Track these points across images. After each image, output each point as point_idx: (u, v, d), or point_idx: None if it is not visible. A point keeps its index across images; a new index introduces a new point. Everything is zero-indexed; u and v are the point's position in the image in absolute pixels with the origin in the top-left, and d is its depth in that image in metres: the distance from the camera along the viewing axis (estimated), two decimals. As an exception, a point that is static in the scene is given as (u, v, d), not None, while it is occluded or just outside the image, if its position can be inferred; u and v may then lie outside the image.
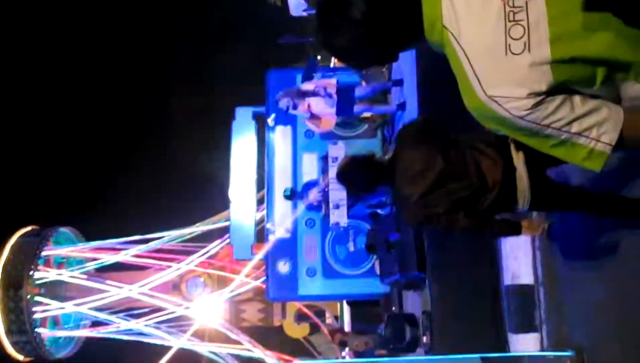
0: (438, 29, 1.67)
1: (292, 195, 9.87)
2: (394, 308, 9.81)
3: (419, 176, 3.29)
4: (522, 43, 1.56)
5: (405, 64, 9.10)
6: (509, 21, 1.58)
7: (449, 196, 3.26)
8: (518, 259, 5.50)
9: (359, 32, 1.68)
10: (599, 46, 1.54)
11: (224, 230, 16.24)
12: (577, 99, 1.58)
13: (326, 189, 9.32)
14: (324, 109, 9.24)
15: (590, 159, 1.61)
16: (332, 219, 9.20)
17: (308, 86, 9.39)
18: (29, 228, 20.15)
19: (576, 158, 1.63)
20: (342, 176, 3.81)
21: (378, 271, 9.54)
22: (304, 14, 14.23)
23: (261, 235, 12.30)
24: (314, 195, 9.97)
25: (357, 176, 3.70)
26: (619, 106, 1.61)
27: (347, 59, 1.86)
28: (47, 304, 18.99)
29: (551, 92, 1.56)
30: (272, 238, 10.96)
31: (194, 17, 25.88)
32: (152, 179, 25.55)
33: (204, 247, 19.98)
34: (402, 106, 9.79)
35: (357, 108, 9.63)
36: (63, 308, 19.27)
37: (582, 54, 1.55)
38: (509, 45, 1.57)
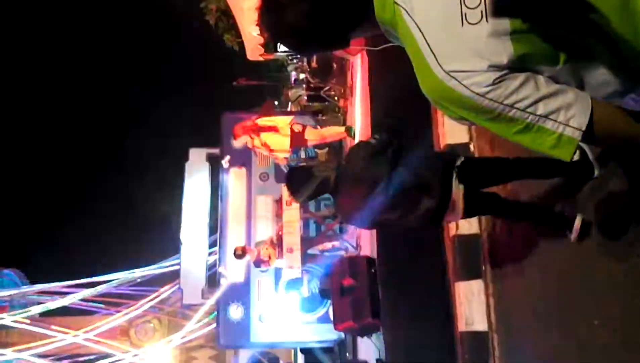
0: (389, 7, 1.57)
1: (243, 254, 9.70)
2: (347, 355, 9.67)
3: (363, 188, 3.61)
4: (479, 12, 1.46)
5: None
6: None
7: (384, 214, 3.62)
8: (471, 305, 5.46)
9: (304, 9, 1.58)
10: (561, 21, 1.47)
11: (176, 274, 15.95)
12: (541, 78, 1.49)
13: (280, 233, 9.22)
14: (281, 143, 9.31)
15: (559, 146, 1.49)
16: (286, 263, 9.07)
17: (264, 122, 9.44)
18: (-30, 270, 19.50)
19: (544, 145, 1.51)
20: (287, 182, 4.11)
21: (332, 317, 9.42)
22: (261, 58, 14.35)
23: (213, 279, 12.07)
24: (266, 251, 9.79)
25: (301, 183, 3.94)
26: (585, 92, 1.51)
27: (294, 42, 1.73)
28: (-14, 350, 18.25)
29: (513, 68, 1.47)
30: (224, 282, 10.75)
31: (149, 59, 25.86)
32: (102, 220, 25.09)
33: (154, 291, 19.60)
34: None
35: (309, 138, 9.68)
36: (3, 354, 18.53)
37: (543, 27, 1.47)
38: (465, 14, 1.47)
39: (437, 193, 3.53)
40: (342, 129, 10.43)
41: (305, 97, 12.10)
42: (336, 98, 11.63)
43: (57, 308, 20.08)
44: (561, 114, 1.47)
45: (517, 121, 1.49)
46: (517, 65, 1.47)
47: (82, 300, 20.01)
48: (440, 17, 1.50)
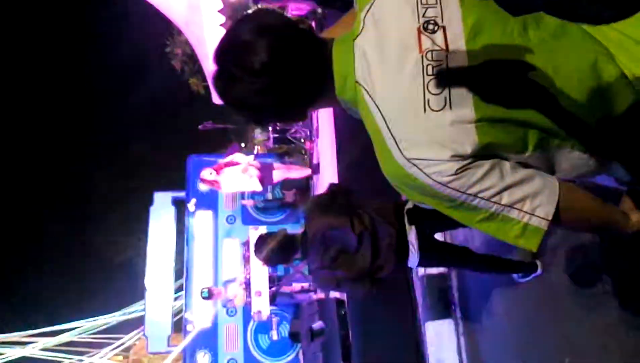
0: (350, 86, 1.50)
1: (211, 295, 9.57)
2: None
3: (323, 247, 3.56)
4: (443, 98, 1.39)
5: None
6: (428, 75, 1.41)
7: (351, 266, 3.55)
8: (442, 345, 5.43)
9: (258, 84, 1.48)
10: (528, 109, 1.41)
11: (140, 320, 15.60)
12: (507, 166, 1.42)
13: (247, 276, 9.12)
14: (242, 179, 9.32)
15: (525, 236, 1.43)
16: (254, 307, 8.95)
17: (228, 159, 9.52)
18: None
19: (509, 235, 1.45)
20: (257, 254, 4.07)
21: (302, 360, 9.29)
22: (225, 102, 14.40)
23: (179, 325, 11.83)
24: (233, 290, 9.68)
25: (272, 253, 3.91)
26: (553, 177, 1.46)
27: (245, 112, 1.63)
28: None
29: (477, 156, 1.40)
30: (190, 328, 10.54)
31: (115, 101, 25.76)
32: (63, 266, 24.53)
33: (118, 338, 19.17)
34: (316, 169, 9.97)
35: (276, 175, 9.72)
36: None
37: (508, 115, 1.40)
38: (428, 100, 1.40)
39: (393, 233, 3.57)
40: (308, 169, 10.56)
41: (271, 140, 12.14)
42: (302, 140, 11.69)
43: (18, 359, 19.44)
44: (527, 204, 1.41)
45: (481, 210, 1.42)
46: (482, 153, 1.40)
47: (44, 349, 19.39)
48: (402, 101, 1.44)
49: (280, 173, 9.91)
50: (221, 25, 12.46)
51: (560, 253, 3.68)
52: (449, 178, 1.40)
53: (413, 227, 3.65)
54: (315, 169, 10.69)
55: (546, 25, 1.46)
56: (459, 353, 5.28)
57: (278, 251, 3.85)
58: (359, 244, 3.52)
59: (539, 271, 3.93)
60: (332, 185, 3.97)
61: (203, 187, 10.28)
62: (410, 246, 3.64)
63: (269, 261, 4.10)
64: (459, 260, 4.18)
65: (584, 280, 3.50)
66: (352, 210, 3.63)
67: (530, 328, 4.14)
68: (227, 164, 9.66)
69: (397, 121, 1.44)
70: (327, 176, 9.67)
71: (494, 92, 1.41)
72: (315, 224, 3.64)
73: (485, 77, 1.42)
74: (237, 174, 9.47)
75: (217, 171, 9.55)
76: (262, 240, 3.98)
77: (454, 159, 1.39)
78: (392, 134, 1.44)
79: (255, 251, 4.06)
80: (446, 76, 1.42)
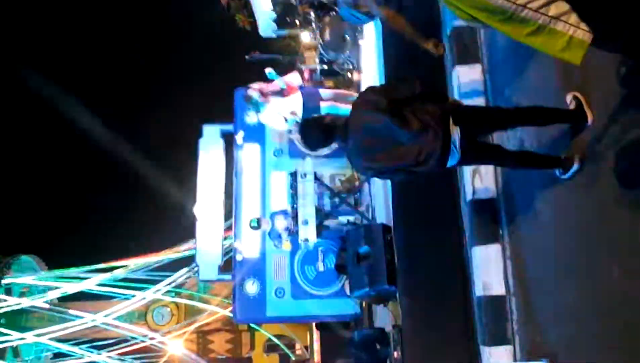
0: None
1: (259, 225, 9.67)
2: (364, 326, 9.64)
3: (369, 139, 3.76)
4: None
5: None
6: None
7: (392, 159, 3.75)
8: (489, 269, 5.39)
9: None
10: None
11: (192, 259, 15.96)
12: None
13: (294, 206, 9.17)
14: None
15: (570, 49, 1.45)
16: (301, 235, 9.03)
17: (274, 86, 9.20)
18: (-11, 255, 19.68)
19: (555, 47, 1.47)
20: (301, 132, 4.37)
21: (348, 291, 9.37)
22: (273, 35, 14.35)
23: (229, 265, 11.96)
24: (280, 222, 9.72)
25: (314, 133, 4.12)
26: None
27: None
28: (6, 334, 18.41)
29: None
30: (239, 258, 10.72)
31: (164, 36, 25.89)
32: (118, 205, 25.19)
33: (170, 276, 19.68)
34: None
35: (322, 106, 9.49)
36: (23, 338, 18.70)
37: None
38: None
39: (439, 134, 3.61)
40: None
41: (319, 72, 12.01)
42: (349, 73, 11.52)
43: (75, 293, 20.22)
44: (573, 17, 1.43)
45: (529, 22, 1.46)
46: None
47: (99, 284, 20.11)
48: None
49: (327, 104, 9.64)
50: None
51: (608, 156, 3.55)
52: None
53: (458, 128, 3.66)
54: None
55: None
56: (505, 277, 5.24)
57: (319, 134, 4.04)
58: (409, 139, 3.62)
59: (576, 165, 3.85)
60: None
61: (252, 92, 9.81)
62: (452, 146, 3.66)
63: (310, 143, 4.28)
64: (497, 157, 4.31)
65: (633, 181, 3.37)
66: (399, 110, 3.69)
67: (576, 242, 4.07)
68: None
69: None
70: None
71: None
72: (361, 116, 3.81)
73: None
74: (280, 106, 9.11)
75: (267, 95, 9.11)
76: (306, 126, 4.24)
77: None
78: None
79: (302, 136, 4.32)
80: None
